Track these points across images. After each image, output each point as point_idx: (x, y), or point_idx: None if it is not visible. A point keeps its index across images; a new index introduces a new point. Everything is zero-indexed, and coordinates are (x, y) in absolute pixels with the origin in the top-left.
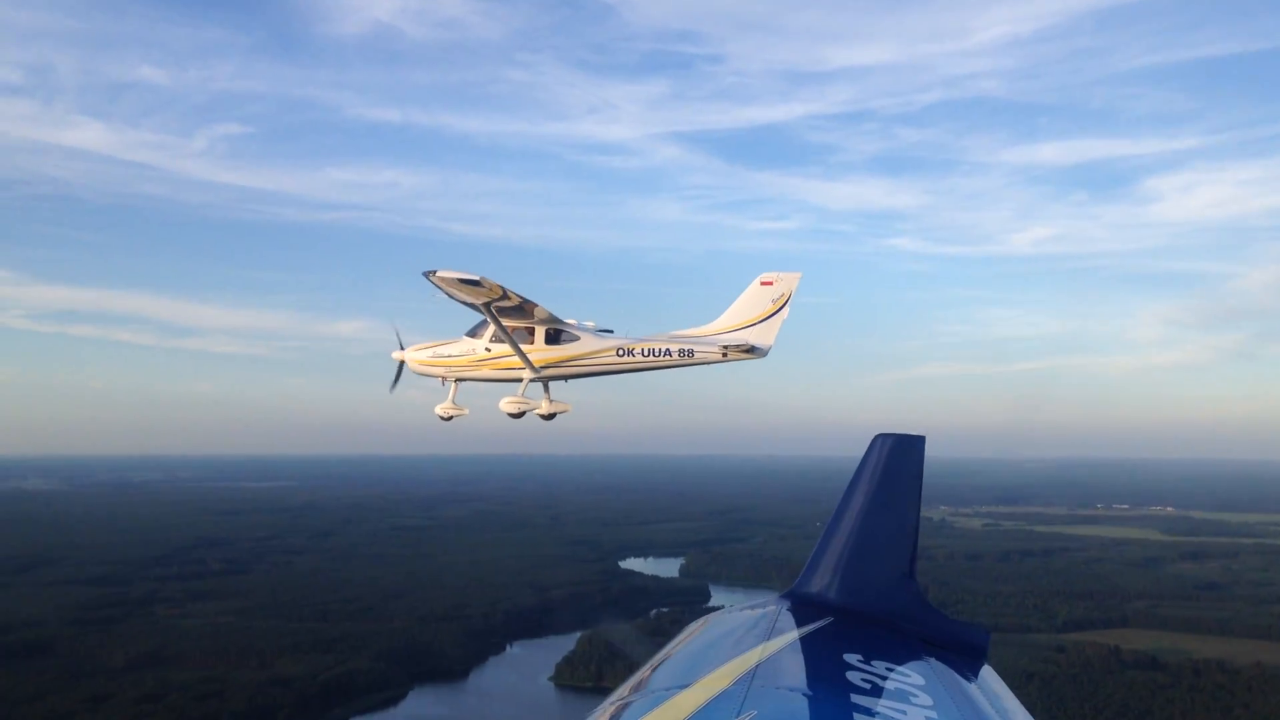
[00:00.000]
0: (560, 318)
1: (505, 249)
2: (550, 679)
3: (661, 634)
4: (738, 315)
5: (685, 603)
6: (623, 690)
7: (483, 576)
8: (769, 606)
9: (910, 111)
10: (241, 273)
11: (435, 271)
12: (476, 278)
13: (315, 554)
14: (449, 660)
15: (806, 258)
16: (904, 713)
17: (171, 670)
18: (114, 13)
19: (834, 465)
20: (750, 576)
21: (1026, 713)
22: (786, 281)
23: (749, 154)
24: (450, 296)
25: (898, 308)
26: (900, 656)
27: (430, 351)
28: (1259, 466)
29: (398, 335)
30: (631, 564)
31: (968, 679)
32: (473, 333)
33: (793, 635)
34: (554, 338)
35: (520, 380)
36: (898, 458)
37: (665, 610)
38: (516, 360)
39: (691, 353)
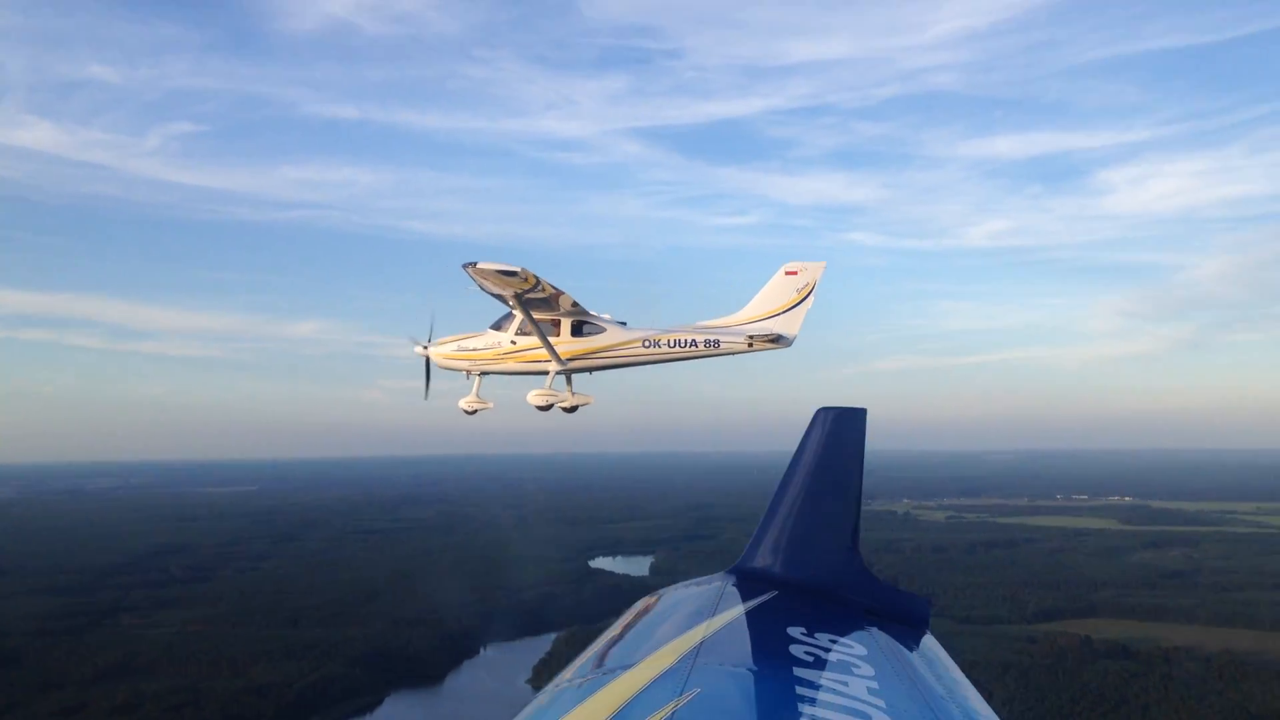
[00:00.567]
0: (586, 309)
1: (464, 247)
2: (528, 681)
3: None
4: (763, 305)
5: None
6: (566, 673)
7: (453, 578)
8: (714, 583)
9: (868, 106)
10: (195, 273)
11: (475, 263)
12: (515, 269)
13: (280, 559)
14: (424, 665)
15: (766, 252)
16: (845, 683)
17: (143, 680)
18: (63, 9)
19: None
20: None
21: (967, 680)
22: (811, 271)
23: (709, 149)
24: (482, 288)
25: (857, 301)
26: (843, 628)
27: (455, 345)
28: (1211, 455)
29: (430, 327)
30: (601, 563)
31: (910, 648)
32: (497, 325)
33: (737, 611)
34: (580, 329)
35: (546, 373)
36: (839, 431)
37: None
38: (542, 353)
39: (718, 343)
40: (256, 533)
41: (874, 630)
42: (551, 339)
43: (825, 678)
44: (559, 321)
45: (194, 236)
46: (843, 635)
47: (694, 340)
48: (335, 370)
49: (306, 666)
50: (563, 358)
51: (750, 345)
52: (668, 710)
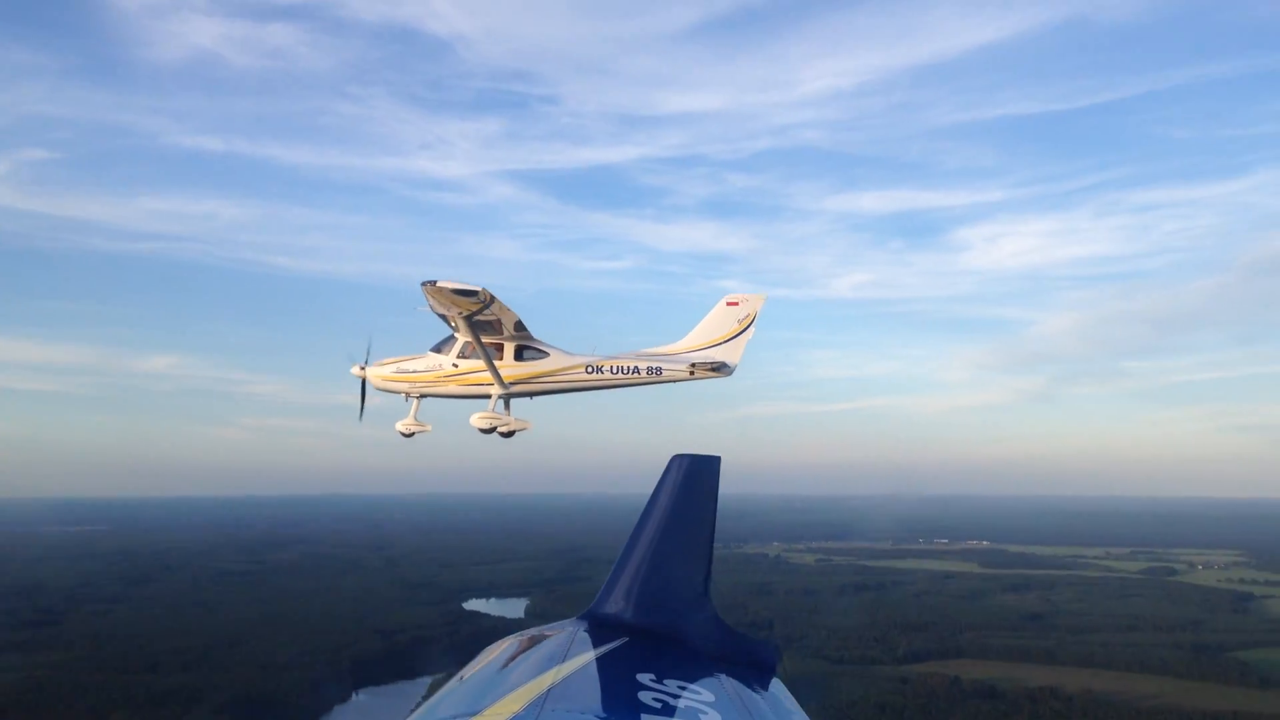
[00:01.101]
0: (530, 333)
1: (331, 284)
2: None
3: None
4: (704, 334)
5: None
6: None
7: (321, 622)
8: (565, 629)
9: (740, 158)
10: (44, 305)
11: (435, 282)
12: (475, 288)
13: (135, 602)
14: (295, 711)
15: (638, 297)
16: None
17: None
18: None
19: None
20: None
21: None
22: (752, 302)
23: (583, 194)
24: (432, 309)
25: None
26: (693, 674)
27: (394, 367)
28: (1059, 501)
29: (367, 351)
30: (475, 605)
31: (757, 694)
32: (438, 348)
33: (587, 657)
34: (522, 354)
35: (488, 396)
36: (694, 478)
37: None
38: (484, 376)
39: (660, 370)
40: (109, 574)
41: (722, 677)
42: (495, 362)
43: None
44: (502, 345)
45: (45, 267)
46: (692, 682)
47: (636, 368)
48: (191, 407)
49: (169, 714)
50: (505, 381)
51: (692, 373)
52: None
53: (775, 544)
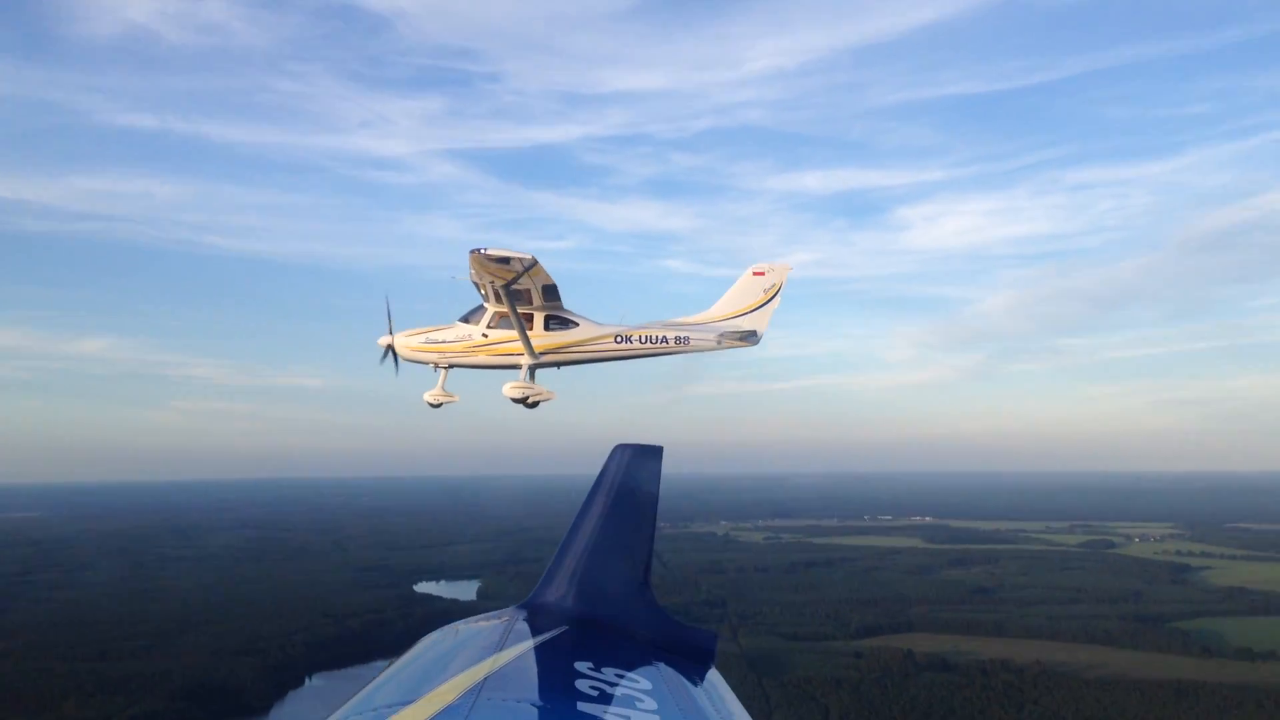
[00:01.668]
0: (561, 303)
1: (268, 264)
2: None
3: None
4: (731, 304)
5: None
6: (343, 711)
7: (271, 607)
8: (503, 618)
9: (683, 137)
10: None
11: (484, 249)
12: (525, 255)
13: (77, 589)
14: (249, 696)
15: (583, 277)
16: (628, 717)
17: None
18: None
19: None
20: None
21: (745, 713)
22: (778, 272)
23: (526, 173)
24: (471, 278)
25: None
26: (631, 663)
27: (423, 337)
28: (999, 477)
29: (388, 318)
30: (427, 588)
31: (694, 682)
32: (466, 318)
33: (525, 645)
34: (550, 324)
35: (516, 367)
36: (636, 468)
37: None
38: (514, 346)
39: (687, 340)
40: (47, 562)
41: (660, 665)
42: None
43: (608, 712)
44: (532, 315)
45: None
46: (629, 670)
47: (664, 337)
48: (125, 390)
49: (124, 700)
50: (535, 351)
51: (719, 343)
52: None
53: (723, 522)
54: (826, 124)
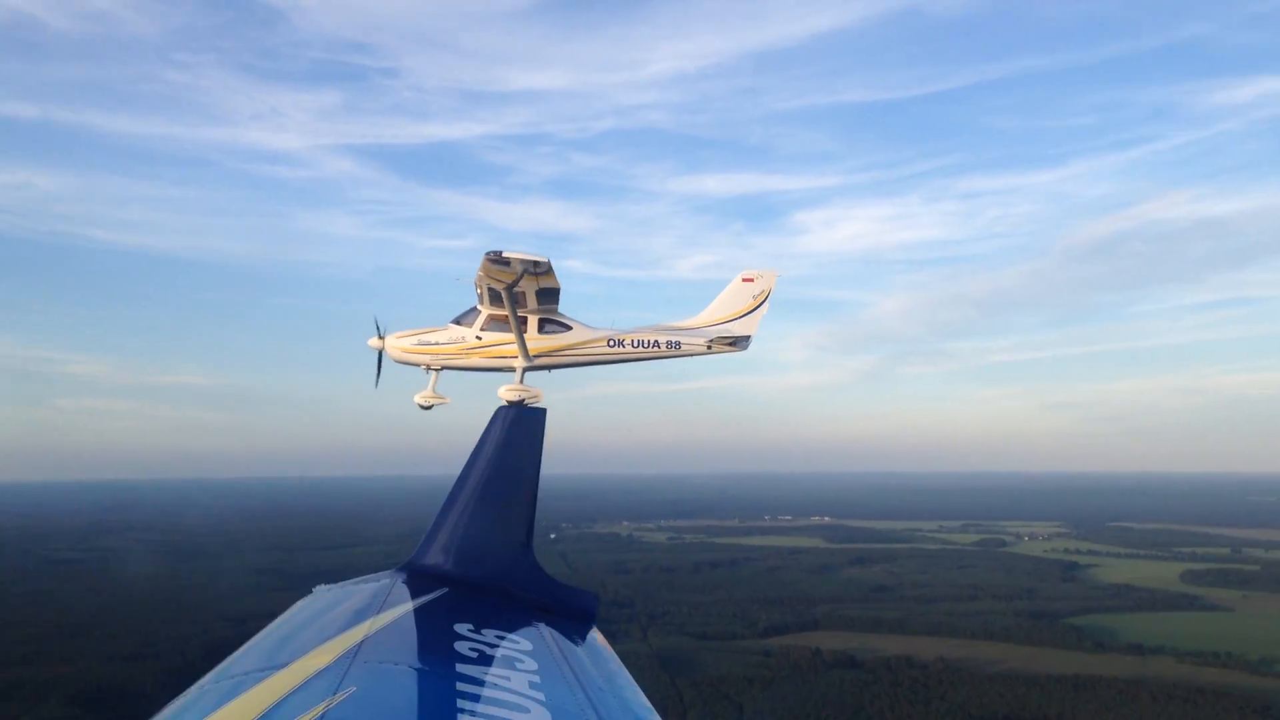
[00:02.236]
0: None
1: (154, 258)
2: None
3: None
4: (720, 309)
5: None
6: (211, 674)
7: (167, 611)
8: (382, 580)
9: (585, 138)
10: None
11: (501, 252)
12: (543, 259)
13: None
14: (149, 702)
15: None
16: (508, 679)
17: None
18: None
19: None
20: None
21: (626, 672)
22: (766, 279)
23: (425, 171)
24: (479, 280)
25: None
26: (512, 624)
27: (415, 339)
28: (893, 477)
29: (376, 323)
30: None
31: (575, 643)
32: (459, 320)
33: (404, 608)
34: (544, 327)
35: (509, 370)
36: (519, 430)
37: None
38: (508, 349)
39: (679, 344)
40: None
41: (541, 626)
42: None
43: (488, 674)
44: (526, 318)
45: None
46: (510, 632)
47: (656, 341)
48: (2, 388)
49: (18, 708)
50: (530, 355)
51: (709, 348)
52: (318, 710)
53: (625, 523)
54: (727, 128)
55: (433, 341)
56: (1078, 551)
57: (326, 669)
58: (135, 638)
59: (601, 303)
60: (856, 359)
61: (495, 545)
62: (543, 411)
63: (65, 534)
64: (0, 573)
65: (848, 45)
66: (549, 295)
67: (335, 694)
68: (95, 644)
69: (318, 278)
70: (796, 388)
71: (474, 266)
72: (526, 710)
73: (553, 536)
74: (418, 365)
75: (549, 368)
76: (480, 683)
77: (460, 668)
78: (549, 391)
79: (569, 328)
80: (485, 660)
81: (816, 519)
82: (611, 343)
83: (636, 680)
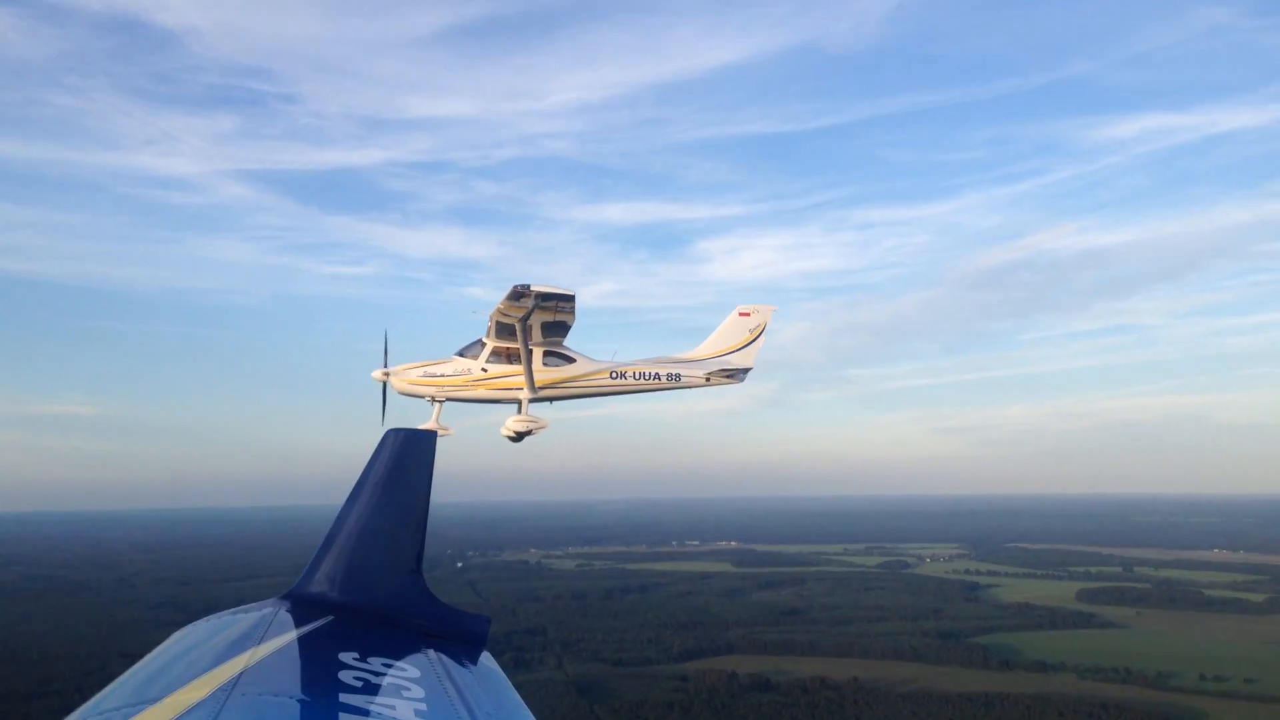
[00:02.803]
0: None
1: (40, 285)
2: None
3: None
4: (718, 343)
5: None
6: (75, 716)
7: (60, 648)
8: (264, 609)
9: (488, 165)
10: None
11: (530, 286)
12: (570, 292)
13: None
14: None
15: (383, 305)
16: (393, 707)
17: None
18: None
19: None
20: None
21: (519, 698)
22: (762, 313)
23: (324, 197)
24: (498, 314)
25: None
26: (399, 651)
27: (421, 371)
28: (796, 501)
29: (385, 352)
30: None
31: (465, 667)
32: (463, 353)
33: (286, 638)
34: (549, 359)
35: (512, 401)
36: (408, 454)
37: None
38: (512, 381)
39: (679, 377)
40: None
41: (430, 652)
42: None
43: (373, 703)
44: (530, 351)
45: None
46: (397, 659)
47: (657, 374)
48: None
49: None
50: (536, 386)
51: (708, 380)
52: None
53: (532, 550)
54: (630, 157)
55: (438, 373)
56: (978, 572)
57: (201, 703)
58: (29, 676)
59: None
60: (758, 385)
61: (383, 571)
62: (433, 435)
63: None
64: None
65: (747, 78)
66: (554, 329)
67: None
68: None
69: (211, 305)
70: (699, 413)
71: (376, 293)
72: None
73: (460, 565)
74: (422, 397)
75: (551, 399)
76: (365, 713)
77: (344, 698)
78: (470, 427)
79: (572, 360)
80: (370, 689)
81: (723, 544)
82: (614, 374)
83: (548, 707)
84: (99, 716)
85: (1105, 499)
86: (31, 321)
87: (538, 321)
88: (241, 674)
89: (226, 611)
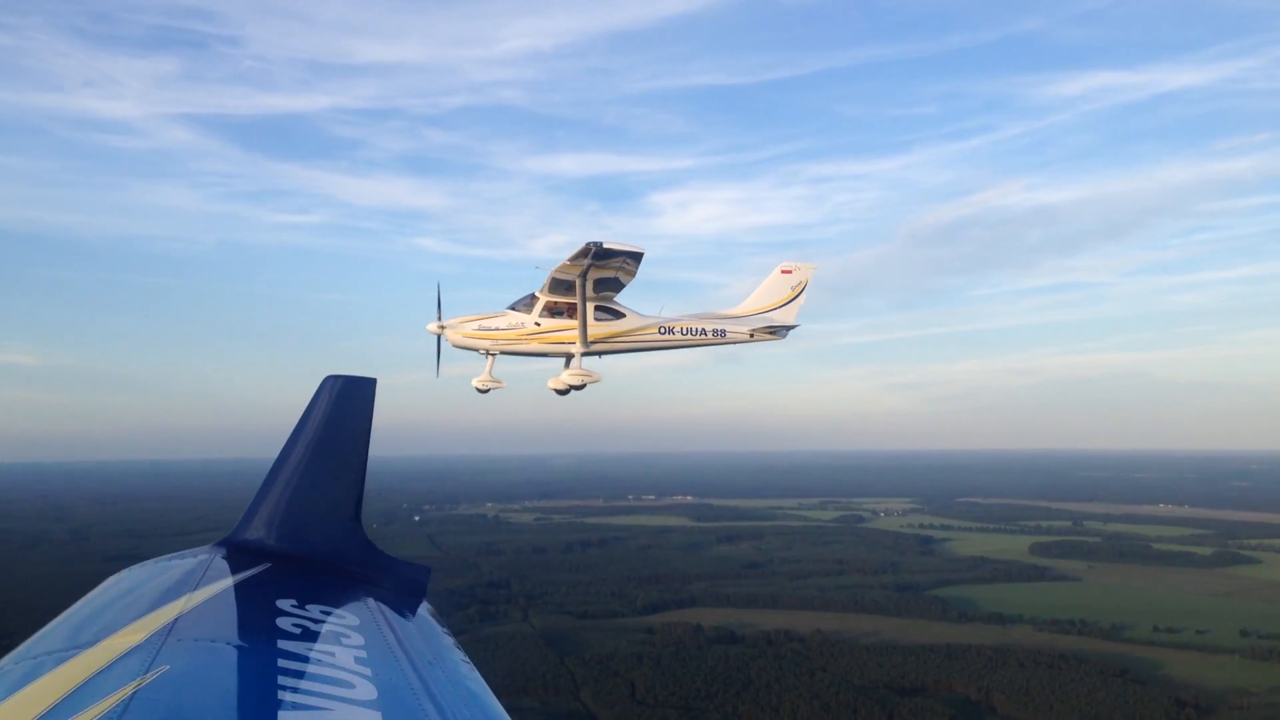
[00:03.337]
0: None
1: None
2: None
3: None
4: (761, 300)
5: None
6: (10, 658)
7: (14, 601)
8: (200, 556)
9: (438, 113)
10: None
11: (603, 244)
12: (640, 250)
13: None
14: None
15: (331, 253)
16: (332, 654)
17: None
18: None
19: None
20: None
21: (457, 645)
22: (804, 270)
23: (270, 143)
24: (561, 271)
25: (422, 306)
26: (338, 599)
27: (476, 325)
28: (750, 456)
29: (438, 306)
30: None
31: (405, 616)
32: (516, 306)
33: (223, 584)
34: (600, 314)
35: (564, 355)
36: (347, 400)
37: None
38: (564, 335)
39: (724, 333)
40: None
41: (369, 601)
42: (575, 321)
43: (312, 650)
44: (587, 305)
45: None
46: (336, 607)
47: (704, 329)
48: None
49: None
50: (588, 341)
51: (752, 336)
52: (128, 691)
53: (489, 504)
54: (582, 107)
55: (492, 327)
56: (932, 526)
57: (137, 647)
58: None
59: (457, 281)
60: None
61: (321, 518)
62: (372, 382)
63: None
64: None
65: (700, 29)
66: (608, 284)
67: (146, 673)
68: None
69: (154, 252)
70: (651, 368)
71: (323, 242)
72: (352, 686)
73: (417, 519)
74: (476, 350)
75: (601, 354)
76: (303, 659)
77: (282, 644)
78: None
79: (622, 315)
80: (309, 636)
81: (680, 498)
82: (662, 330)
83: (519, 660)
84: (32, 661)
85: (1053, 454)
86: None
87: (593, 277)
88: (178, 619)
89: (161, 557)
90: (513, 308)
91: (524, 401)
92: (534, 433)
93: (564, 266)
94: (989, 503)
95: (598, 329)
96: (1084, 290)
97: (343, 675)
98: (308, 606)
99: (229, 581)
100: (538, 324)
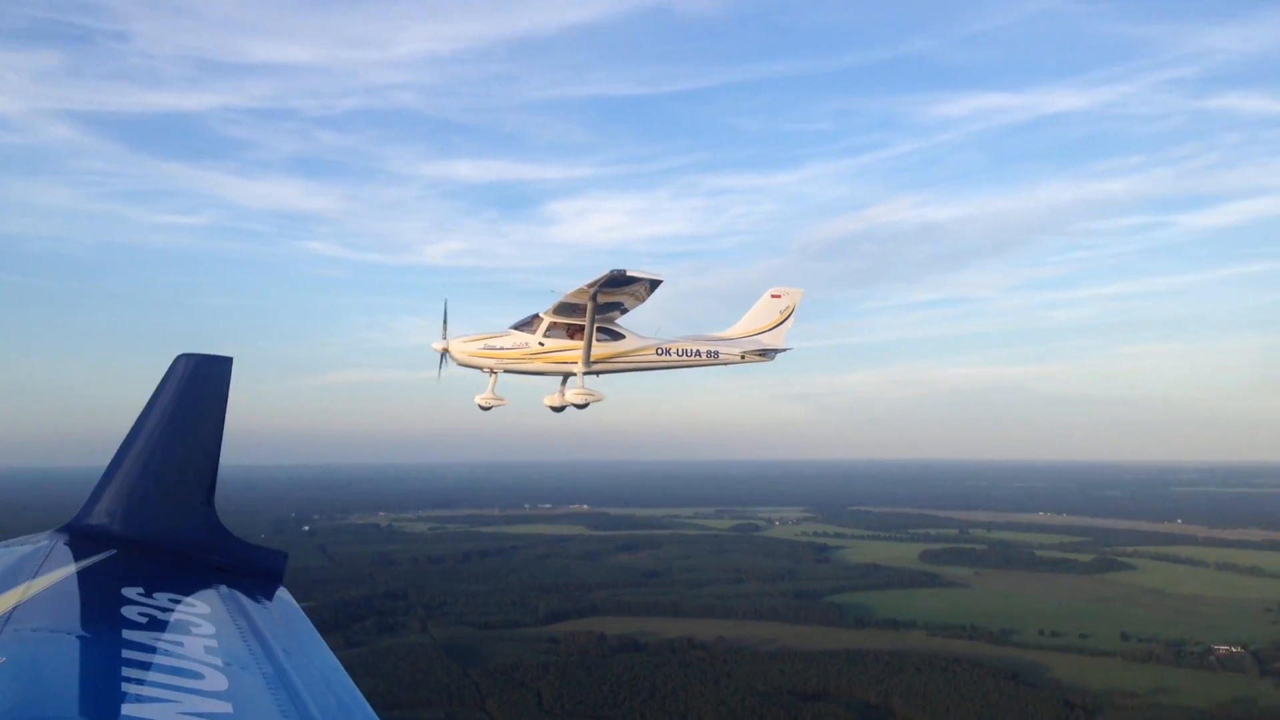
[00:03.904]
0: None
1: None
2: None
3: None
4: (752, 323)
5: None
6: None
7: None
8: (40, 542)
9: (331, 115)
10: None
11: (626, 271)
12: (661, 277)
13: None
14: None
15: (217, 256)
16: (181, 644)
17: None
18: None
19: (245, 475)
20: None
21: (315, 631)
22: (792, 295)
23: (155, 142)
24: (574, 295)
25: (311, 311)
26: (188, 587)
27: (482, 344)
28: (646, 465)
29: (444, 324)
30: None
31: (260, 604)
32: (520, 327)
33: (64, 571)
34: (601, 335)
35: (566, 374)
36: (200, 381)
37: None
38: (567, 355)
39: (717, 354)
40: None
41: (222, 588)
42: (579, 342)
43: (159, 639)
44: (583, 326)
45: None
46: (186, 595)
47: (699, 351)
48: None
49: None
50: (590, 361)
51: (743, 358)
52: None
53: (382, 514)
54: (480, 113)
55: (498, 346)
56: (825, 534)
57: None
58: None
59: (348, 286)
60: None
61: (171, 503)
62: (228, 361)
63: None
64: None
65: (600, 39)
66: (611, 306)
67: None
68: None
69: (29, 252)
70: (536, 378)
71: (210, 245)
72: (201, 676)
73: (306, 529)
74: (481, 369)
75: (599, 373)
76: (150, 649)
77: (128, 634)
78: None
79: (622, 336)
80: (156, 625)
81: (576, 507)
82: (659, 351)
83: (420, 672)
84: None
85: (938, 464)
86: None
87: (602, 300)
88: (15, 608)
89: None
90: (516, 328)
91: (417, 410)
92: (426, 441)
93: (580, 291)
94: (879, 511)
95: (599, 349)
96: (967, 305)
97: (192, 665)
98: (155, 594)
99: (71, 569)
100: (541, 344)
